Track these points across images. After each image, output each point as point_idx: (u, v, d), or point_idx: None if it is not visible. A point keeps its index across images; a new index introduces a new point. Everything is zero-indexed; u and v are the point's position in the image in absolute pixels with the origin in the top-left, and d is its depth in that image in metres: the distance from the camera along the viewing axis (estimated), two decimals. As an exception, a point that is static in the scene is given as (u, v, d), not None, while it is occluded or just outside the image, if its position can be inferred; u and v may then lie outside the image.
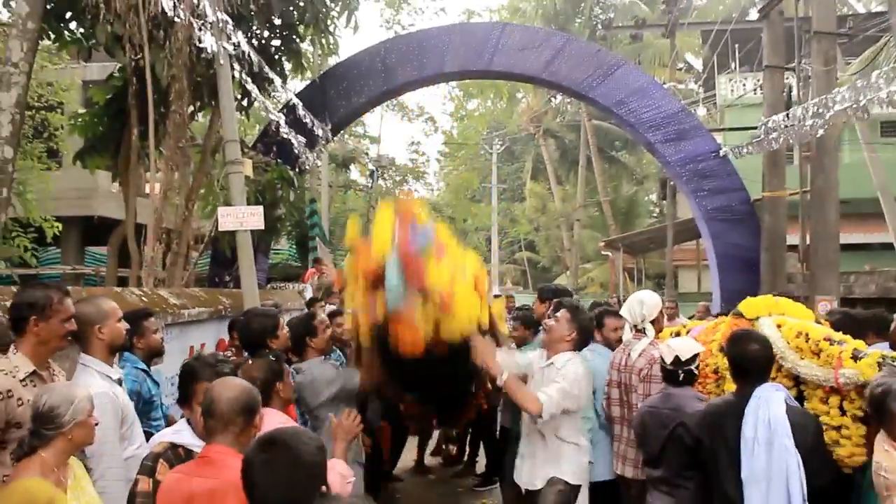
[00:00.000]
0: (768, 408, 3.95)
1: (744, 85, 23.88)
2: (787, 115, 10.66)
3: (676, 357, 4.80)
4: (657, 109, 13.42)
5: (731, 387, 4.56)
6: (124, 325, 4.29)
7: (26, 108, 14.33)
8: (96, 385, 3.87)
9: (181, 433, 3.42)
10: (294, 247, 21.98)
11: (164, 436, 3.47)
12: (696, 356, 4.80)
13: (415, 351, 4.62)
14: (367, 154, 27.19)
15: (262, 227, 7.94)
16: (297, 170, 13.37)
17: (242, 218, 7.79)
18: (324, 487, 2.57)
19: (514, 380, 4.94)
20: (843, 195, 10.82)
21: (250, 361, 4.29)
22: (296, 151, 11.74)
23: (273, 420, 3.80)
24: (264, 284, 14.37)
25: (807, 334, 4.27)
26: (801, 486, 3.78)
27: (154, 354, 5.06)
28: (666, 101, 13.63)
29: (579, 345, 5.16)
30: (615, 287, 29.03)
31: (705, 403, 4.65)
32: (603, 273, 34.51)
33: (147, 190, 9.84)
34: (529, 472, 5.15)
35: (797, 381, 4.32)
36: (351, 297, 5.09)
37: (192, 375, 3.62)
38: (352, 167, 28.17)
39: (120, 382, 4.17)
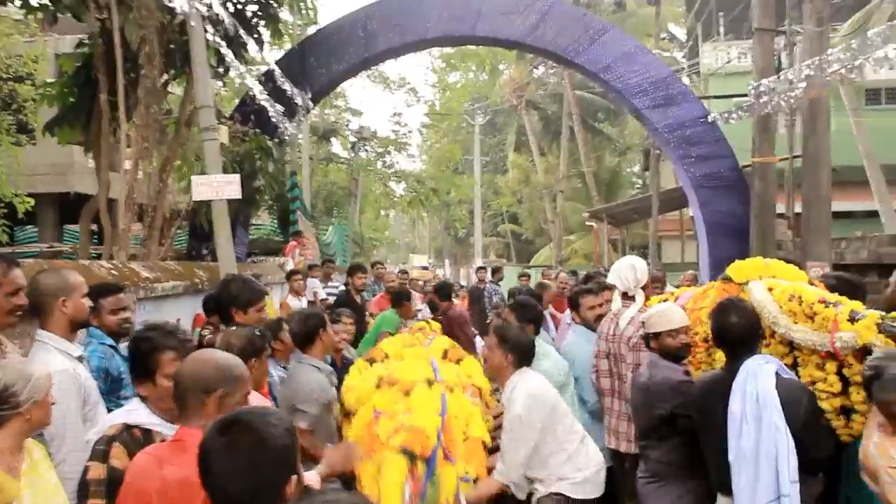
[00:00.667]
0: (756, 382, 3.72)
1: (728, 53, 23.61)
2: (778, 77, 10.42)
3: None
4: (644, 75, 13.11)
5: (721, 355, 4.36)
6: (88, 301, 4.01)
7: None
8: (55, 363, 3.59)
9: (136, 412, 3.11)
10: (275, 221, 21.72)
11: (117, 416, 3.15)
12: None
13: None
14: (348, 126, 26.80)
15: (239, 197, 7.63)
16: (276, 140, 13.04)
17: (218, 187, 7.48)
18: (294, 478, 2.21)
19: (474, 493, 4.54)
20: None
21: (232, 328, 4.03)
22: (274, 121, 11.36)
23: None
24: (244, 258, 14.07)
25: (800, 297, 4.02)
26: (790, 465, 3.55)
27: (112, 335, 4.61)
28: (653, 67, 13.33)
29: (521, 362, 4.68)
30: (599, 258, 28.93)
31: (687, 378, 4.49)
32: (587, 244, 34.39)
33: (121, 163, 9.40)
34: None
35: (792, 348, 4.10)
36: None
37: (152, 346, 3.23)
38: (333, 140, 27.76)
39: (81, 360, 3.88)
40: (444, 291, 9.70)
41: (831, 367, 3.82)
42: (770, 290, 4.29)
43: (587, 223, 31.87)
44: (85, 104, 10.12)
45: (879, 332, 3.57)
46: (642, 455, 4.62)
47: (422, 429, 4.39)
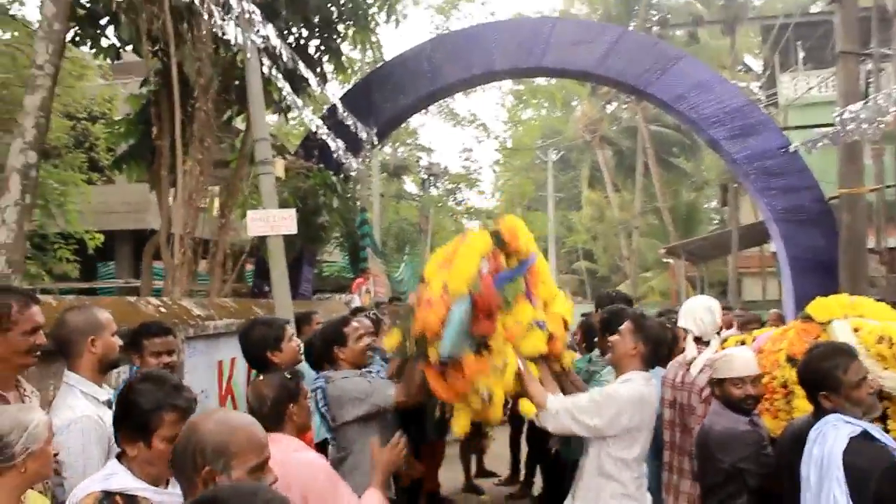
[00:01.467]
0: (824, 444, 3.25)
1: (808, 82, 22.79)
2: (866, 103, 9.78)
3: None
4: (720, 104, 12.53)
5: (801, 403, 3.94)
6: (118, 340, 3.75)
7: (68, 118, 14.23)
8: (79, 407, 3.36)
9: (115, 477, 2.72)
10: (346, 258, 21.64)
11: (94, 482, 2.73)
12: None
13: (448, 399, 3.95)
14: (418, 162, 26.68)
15: (295, 231, 7.37)
16: (341, 175, 12.85)
17: (273, 222, 7.25)
18: None
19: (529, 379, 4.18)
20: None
21: (261, 377, 3.69)
22: (337, 156, 11.17)
23: (286, 446, 3.32)
24: (310, 296, 13.90)
25: (890, 338, 3.60)
26: None
27: None
28: (729, 95, 12.74)
29: (650, 359, 4.24)
30: (677, 295, 28.11)
31: (751, 430, 4.00)
32: (663, 282, 33.57)
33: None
34: None
35: (881, 397, 3.60)
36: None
37: (155, 402, 2.80)
38: (403, 177, 27.70)
39: (110, 405, 3.59)
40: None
41: None
42: (856, 330, 3.89)
43: (664, 260, 31.08)
44: (149, 141, 10.09)
45: None
46: None
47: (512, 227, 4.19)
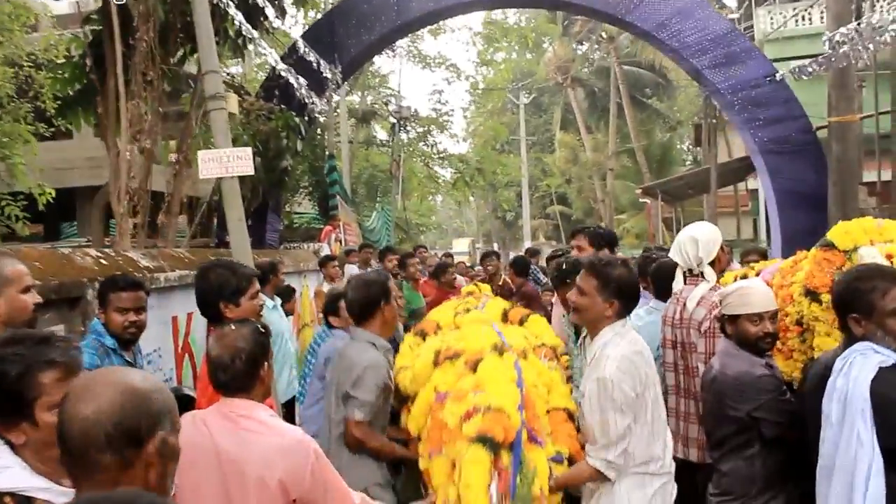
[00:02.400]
0: (849, 373, 2.79)
1: (784, 15, 22.17)
2: (859, 24, 9.22)
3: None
4: (703, 31, 11.92)
5: (822, 342, 3.62)
6: (33, 297, 3.13)
7: (10, 66, 13.35)
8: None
9: (9, 471, 2.01)
10: (316, 208, 21.02)
11: None
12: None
13: None
14: (386, 106, 25.86)
15: (252, 173, 6.71)
16: (305, 118, 12.16)
17: (227, 163, 6.56)
18: None
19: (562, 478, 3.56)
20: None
21: (233, 326, 2.89)
22: (300, 95, 10.46)
23: (257, 414, 2.70)
24: (278, 245, 13.28)
25: None
26: (869, 490, 2.66)
27: (116, 339, 4.05)
28: (713, 22, 12.13)
29: (628, 307, 3.57)
30: (653, 237, 27.75)
31: (768, 375, 3.50)
32: (638, 224, 33.25)
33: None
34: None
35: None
36: None
37: (22, 366, 2.10)
38: (373, 123, 26.89)
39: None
40: (520, 265, 8.60)
41: None
42: (889, 257, 3.43)
43: (640, 200, 30.68)
44: (95, 85, 9.33)
45: None
46: (714, 468, 3.62)
47: (500, 408, 3.43)
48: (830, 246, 3.81)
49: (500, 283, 8.82)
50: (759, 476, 3.47)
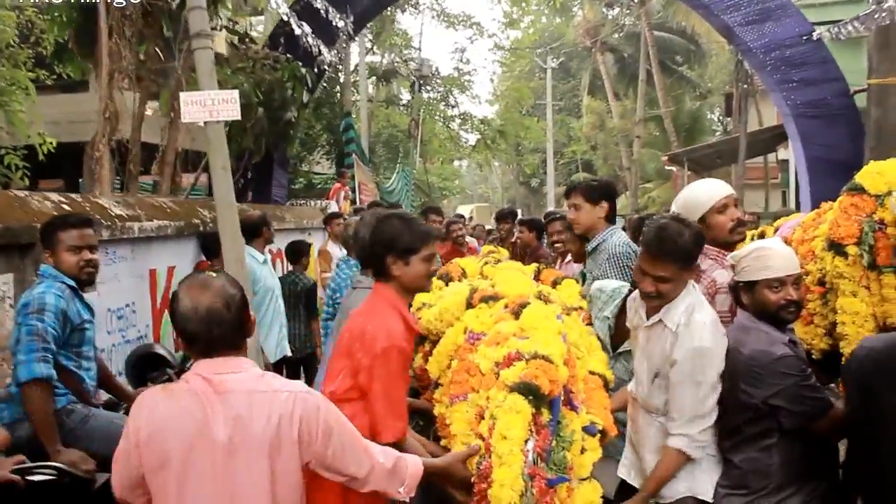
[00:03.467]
0: None
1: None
2: (906, -22, 8.54)
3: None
4: (735, -15, 11.28)
5: (847, 303, 3.26)
6: None
7: (11, 9, 12.85)
8: None
9: None
10: (334, 167, 20.64)
11: None
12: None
13: None
14: (406, 64, 25.23)
15: (238, 117, 6.22)
16: (315, 69, 11.64)
17: (212, 106, 6.08)
18: None
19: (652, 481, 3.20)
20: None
21: (210, 274, 2.47)
22: (305, 44, 9.91)
23: (255, 371, 2.40)
24: (284, 201, 12.86)
25: None
26: None
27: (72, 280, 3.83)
28: (746, -25, 11.47)
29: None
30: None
31: (790, 355, 2.96)
32: (664, 193, 32.47)
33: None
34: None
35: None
36: None
37: None
38: (393, 82, 26.30)
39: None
40: (534, 225, 8.00)
41: None
42: None
43: (666, 168, 29.96)
44: (91, 27, 8.84)
45: None
46: (724, 459, 3.11)
47: (549, 357, 2.92)
48: (859, 190, 3.31)
49: (513, 242, 8.36)
50: (776, 470, 2.98)
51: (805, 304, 3.37)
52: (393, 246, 3.05)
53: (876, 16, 8.96)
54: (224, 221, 6.13)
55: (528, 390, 2.77)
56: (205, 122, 6.20)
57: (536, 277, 4.47)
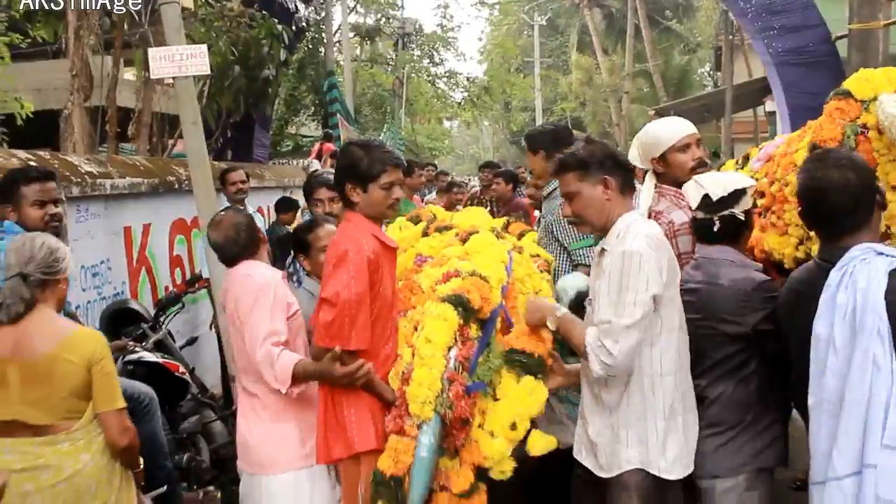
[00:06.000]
0: (854, 288, 2.32)
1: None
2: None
3: (706, 197, 3.06)
4: (717, -68, 11.16)
5: None
6: None
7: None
8: None
9: None
10: (321, 128, 20.52)
11: None
12: (739, 192, 3.06)
13: None
14: (389, 22, 24.98)
15: (208, 72, 6.17)
16: (293, 27, 11.52)
17: (181, 61, 6.00)
18: None
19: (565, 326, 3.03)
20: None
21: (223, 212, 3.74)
22: (284, 2, 9.79)
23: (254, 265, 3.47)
24: (266, 161, 12.79)
25: None
26: (889, 421, 2.22)
27: None
28: (727, -78, 11.32)
29: (629, 184, 3.05)
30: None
31: (753, 272, 3.01)
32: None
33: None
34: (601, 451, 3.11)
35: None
36: None
37: None
38: (378, 40, 26.06)
39: None
40: (508, 176, 8.08)
41: None
42: None
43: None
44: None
45: None
46: (699, 396, 3.05)
47: (485, 277, 3.15)
48: (846, 95, 3.28)
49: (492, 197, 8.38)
50: (755, 400, 3.00)
51: (781, 214, 3.44)
52: (352, 173, 3.09)
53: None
54: (197, 176, 6.08)
55: (458, 302, 2.95)
56: (174, 78, 6.14)
57: (505, 229, 4.50)
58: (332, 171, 5.27)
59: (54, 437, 2.92)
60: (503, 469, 2.97)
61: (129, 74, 12.22)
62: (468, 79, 27.06)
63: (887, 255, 2.35)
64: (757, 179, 3.58)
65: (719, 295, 2.97)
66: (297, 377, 3.09)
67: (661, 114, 25.91)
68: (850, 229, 2.49)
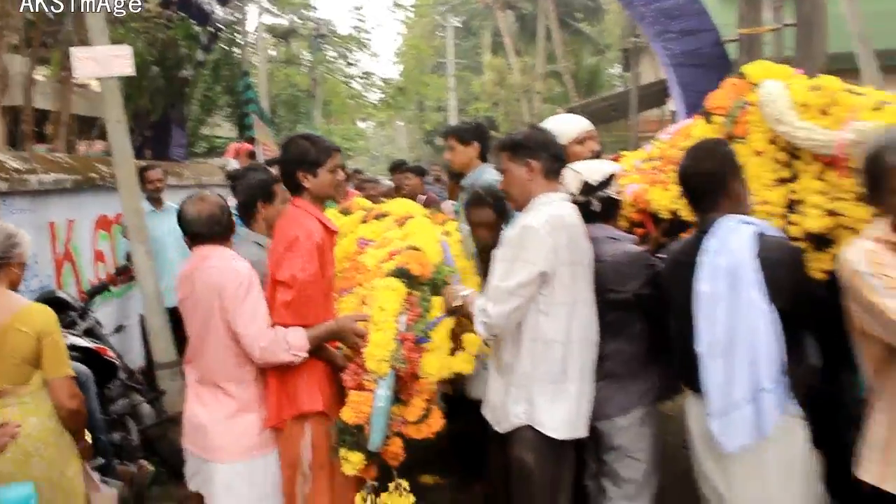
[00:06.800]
0: (730, 251, 2.82)
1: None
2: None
3: (585, 183, 3.58)
4: (616, -59, 11.75)
5: None
6: None
7: None
8: None
9: None
10: (236, 128, 20.51)
11: None
12: (612, 177, 3.63)
13: None
14: (304, 24, 25.09)
15: (132, 73, 6.38)
16: (210, 29, 11.69)
17: (104, 62, 6.21)
18: None
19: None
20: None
21: (205, 192, 3.70)
22: (200, 4, 10.00)
23: (224, 254, 3.55)
24: (183, 159, 12.89)
25: (825, 88, 3.13)
26: (772, 352, 2.71)
27: None
28: (626, -68, 11.93)
29: (554, 166, 3.49)
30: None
31: (628, 245, 3.54)
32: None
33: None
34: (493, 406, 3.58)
35: (789, 163, 3.24)
36: None
37: None
38: (292, 41, 26.11)
39: None
40: (418, 171, 8.50)
41: (832, 176, 3.00)
42: (789, 85, 3.38)
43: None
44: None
45: None
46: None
47: (421, 249, 3.71)
48: (742, 76, 3.76)
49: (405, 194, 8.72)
50: (641, 352, 3.49)
51: (667, 171, 3.93)
52: (302, 161, 3.49)
53: (741, -32, 9.55)
54: (122, 175, 6.33)
55: (402, 273, 3.45)
56: (98, 78, 6.34)
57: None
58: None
59: (3, 399, 3.21)
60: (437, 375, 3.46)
61: (39, 76, 12.24)
62: (383, 79, 27.35)
63: (750, 224, 2.89)
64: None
65: (603, 268, 3.45)
66: (311, 344, 3.37)
67: (571, 113, 26.70)
68: (716, 204, 3.01)
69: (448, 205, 5.85)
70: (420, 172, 8.23)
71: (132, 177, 6.37)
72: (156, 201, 7.13)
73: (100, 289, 6.26)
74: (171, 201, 7.51)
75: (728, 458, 2.93)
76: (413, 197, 8.21)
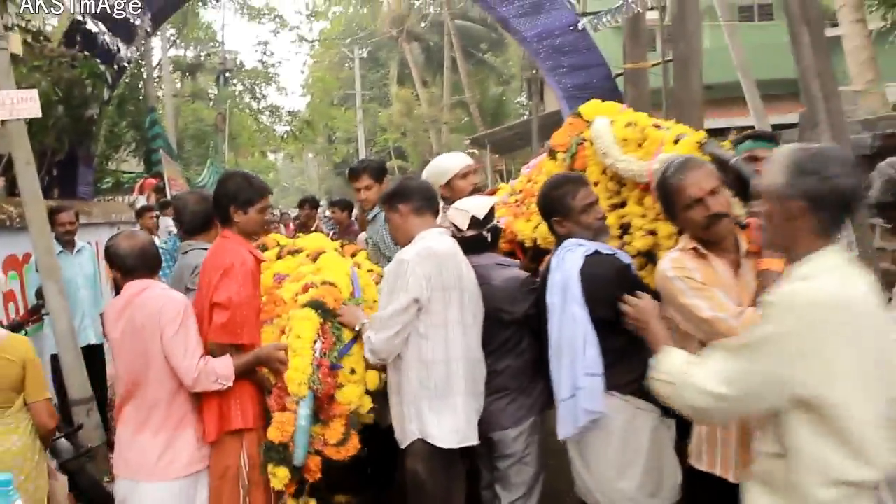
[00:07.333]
0: (564, 267, 3.32)
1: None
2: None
3: (474, 218, 3.97)
4: (509, -19, 12.37)
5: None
6: None
7: None
8: None
9: None
10: (143, 164, 20.39)
11: None
12: (493, 209, 4.06)
13: None
14: (210, 59, 25.15)
15: (39, 115, 6.53)
16: (115, 66, 11.78)
17: (12, 105, 6.36)
18: None
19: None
20: (706, 80, 10.11)
21: (134, 229, 3.62)
22: (103, 42, 10.11)
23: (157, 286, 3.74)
24: (90, 198, 12.89)
25: (637, 124, 3.72)
26: (586, 356, 3.21)
27: None
28: (518, -28, 12.57)
29: (424, 208, 3.89)
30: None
31: (515, 270, 3.99)
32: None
33: None
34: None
35: (619, 191, 3.84)
36: None
37: None
38: (199, 76, 26.14)
39: None
40: (343, 204, 8.74)
41: (650, 200, 3.54)
42: (612, 122, 3.91)
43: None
44: None
45: (702, 152, 3.35)
46: (489, 370, 3.89)
47: (334, 283, 4.01)
48: (578, 115, 4.28)
49: (314, 228, 8.99)
50: (529, 367, 3.83)
51: (529, 204, 4.36)
52: (236, 197, 3.81)
53: (625, 8, 10.22)
54: (32, 215, 6.42)
55: (316, 305, 3.79)
56: (3, 121, 6.48)
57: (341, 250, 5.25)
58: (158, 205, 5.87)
59: None
60: (364, 407, 3.84)
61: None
62: (290, 112, 27.54)
63: (585, 246, 3.36)
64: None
65: (493, 292, 3.84)
66: (237, 371, 3.62)
67: (475, 143, 27.35)
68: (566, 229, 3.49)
69: (362, 236, 6.14)
70: (346, 206, 8.57)
71: (42, 217, 6.47)
72: (67, 243, 7.15)
73: (16, 327, 6.38)
74: (82, 240, 7.62)
75: (579, 444, 3.38)
76: (340, 228, 8.51)
